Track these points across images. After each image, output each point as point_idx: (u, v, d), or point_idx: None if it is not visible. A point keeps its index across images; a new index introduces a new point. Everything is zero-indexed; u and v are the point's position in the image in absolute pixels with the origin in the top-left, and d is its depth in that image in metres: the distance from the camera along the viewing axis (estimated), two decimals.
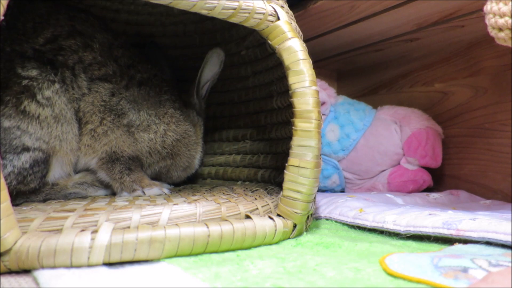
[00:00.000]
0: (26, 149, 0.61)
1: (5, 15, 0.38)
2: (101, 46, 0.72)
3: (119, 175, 0.71)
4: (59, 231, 0.41)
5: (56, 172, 0.67)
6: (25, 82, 0.61)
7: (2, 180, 0.37)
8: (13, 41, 0.63)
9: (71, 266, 0.39)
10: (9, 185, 0.59)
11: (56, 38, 0.67)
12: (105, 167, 0.71)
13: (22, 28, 0.65)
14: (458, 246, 0.49)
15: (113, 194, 0.74)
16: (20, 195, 0.63)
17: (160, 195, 0.69)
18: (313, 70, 0.54)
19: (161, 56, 0.89)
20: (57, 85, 0.64)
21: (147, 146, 0.74)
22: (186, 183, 0.91)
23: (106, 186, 0.74)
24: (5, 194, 0.37)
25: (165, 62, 0.89)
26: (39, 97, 0.62)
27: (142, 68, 0.77)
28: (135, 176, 0.72)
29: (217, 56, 0.82)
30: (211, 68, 0.82)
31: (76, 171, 0.74)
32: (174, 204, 0.48)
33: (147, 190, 0.70)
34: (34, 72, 0.62)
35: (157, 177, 0.82)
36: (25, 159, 0.60)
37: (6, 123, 0.59)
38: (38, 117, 0.61)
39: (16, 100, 0.60)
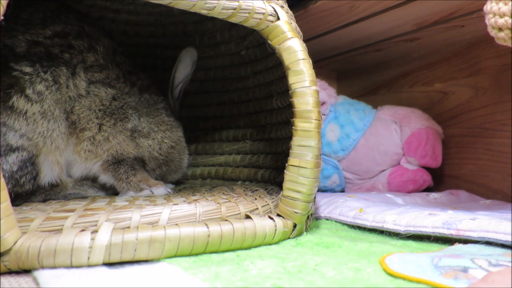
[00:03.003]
0: (10, 149, 0.59)
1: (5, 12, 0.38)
2: (105, 50, 0.72)
3: (125, 175, 0.71)
4: (59, 231, 0.41)
5: (47, 174, 0.65)
6: (15, 73, 0.60)
7: (2, 180, 0.37)
8: (5, 33, 0.62)
9: (71, 266, 0.39)
10: None
11: (67, 35, 0.67)
12: (111, 168, 0.70)
13: (27, 18, 0.64)
14: (458, 246, 0.49)
15: (114, 194, 0.74)
16: (19, 197, 0.63)
17: (165, 194, 0.70)
18: (313, 70, 0.54)
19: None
20: (47, 83, 0.63)
21: (147, 151, 0.75)
22: (180, 183, 0.92)
23: (108, 189, 0.74)
24: (5, 194, 0.37)
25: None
26: (29, 91, 0.60)
27: (142, 75, 0.78)
28: (140, 176, 0.72)
29: (190, 56, 0.81)
30: (184, 69, 0.81)
31: (76, 177, 0.73)
32: (174, 204, 0.48)
33: (154, 190, 0.70)
34: (27, 69, 0.61)
35: None
36: (12, 161, 0.59)
37: None
38: (26, 113, 0.60)
39: (4, 94, 0.59)
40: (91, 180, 0.73)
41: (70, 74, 0.66)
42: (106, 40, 0.74)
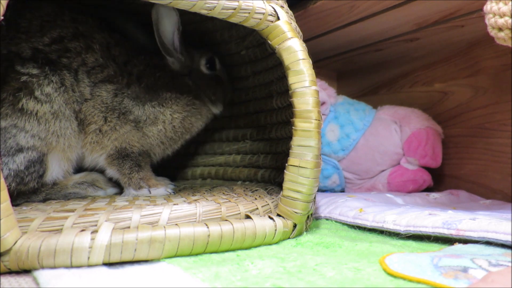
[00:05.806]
0: (20, 149, 0.60)
1: (5, 13, 0.38)
2: (100, 46, 0.71)
3: (129, 171, 0.72)
4: (59, 231, 0.41)
5: (54, 170, 0.66)
6: (24, 78, 0.61)
7: (2, 180, 0.37)
8: (10, 41, 0.62)
9: (71, 266, 0.39)
10: (8, 188, 0.59)
11: (62, 39, 0.67)
12: (116, 163, 0.72)
13: (27, 26, 0.64)
14: (458, 246, 0.49)
15: (115, 194, 0.75)
16: (21, 195, 0.63)
17: (165, 195, 0.70)
18: (313, 70, 0.54)
19: (131, 25, 0.83)
20: (56, 85, 0.64)
21: (157, 138, 0.76)
22: (180, 183, 0.91)
23: (113, 184, 0.75)
24: (5, 194, 0.37)
25: (138, 30, 0.83)
26: (37, 93, 0.61)
27: (137, 61, 0.76)
28: (143, 173, 0.73)
29: (164, 7, 0.70)
30: (167, 20, 0.72)
31: (82, 170, 0.74)
32: (174, 204, 0.48)
33: (153, 190, 0.71)
34: (34, 71, 0.62)
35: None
36: (19, 161, 0.60)
37: (2, 123, 0.59)
38: (36, 113, 0.61)
39: (13, 98, 0.60)
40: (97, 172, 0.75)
41: (73, 79, 0.67)
42: (99, 35, 0.72)
